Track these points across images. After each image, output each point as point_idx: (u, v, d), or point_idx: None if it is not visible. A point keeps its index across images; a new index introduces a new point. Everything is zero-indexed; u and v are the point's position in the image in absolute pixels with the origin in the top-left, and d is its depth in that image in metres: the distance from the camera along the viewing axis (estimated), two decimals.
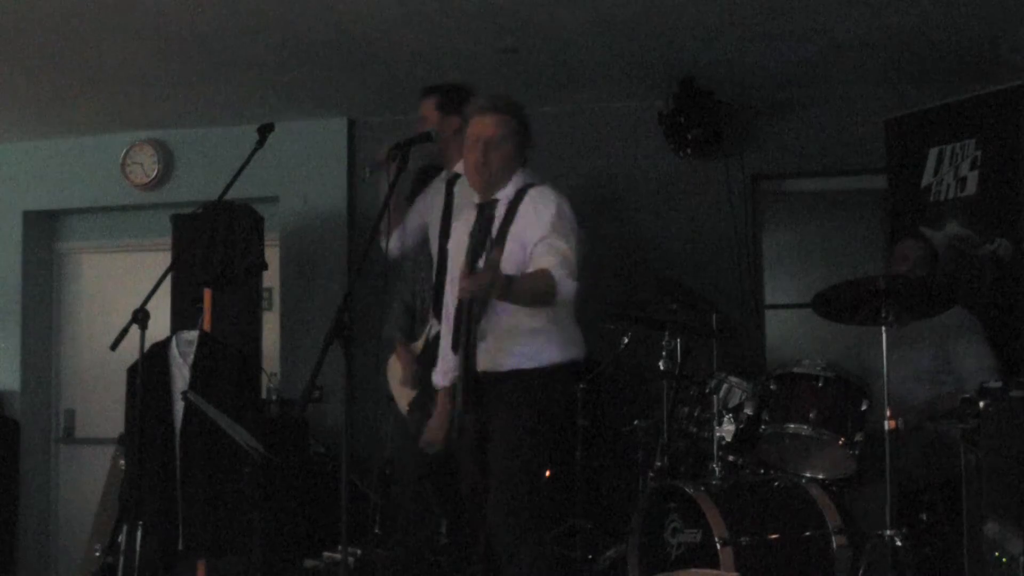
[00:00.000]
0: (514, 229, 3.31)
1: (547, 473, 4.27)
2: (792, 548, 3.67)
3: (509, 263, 3.25)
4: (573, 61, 5.15)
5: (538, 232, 3.22)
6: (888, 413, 3.61)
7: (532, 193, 3.36)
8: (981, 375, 4.01)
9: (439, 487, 4.08)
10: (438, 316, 3.93)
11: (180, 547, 4.52)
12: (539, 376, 3.29)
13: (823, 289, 3.85)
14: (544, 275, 3.14)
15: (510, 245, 3.30)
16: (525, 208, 3.32)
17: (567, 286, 3.15)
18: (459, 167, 3.95)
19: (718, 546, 3.50)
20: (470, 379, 3.25)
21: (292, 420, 5.38)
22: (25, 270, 6.57)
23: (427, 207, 4.11)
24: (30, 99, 5.70)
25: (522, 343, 3.26)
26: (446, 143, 4.00)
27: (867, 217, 5.74)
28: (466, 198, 3.78)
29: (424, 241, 4.15)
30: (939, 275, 4.83)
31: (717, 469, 3.99)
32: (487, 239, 3.36)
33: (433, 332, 4.04)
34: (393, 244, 4.10)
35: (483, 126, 3.38)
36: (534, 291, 3.15)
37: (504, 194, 3.42)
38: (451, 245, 3.63)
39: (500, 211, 3.40)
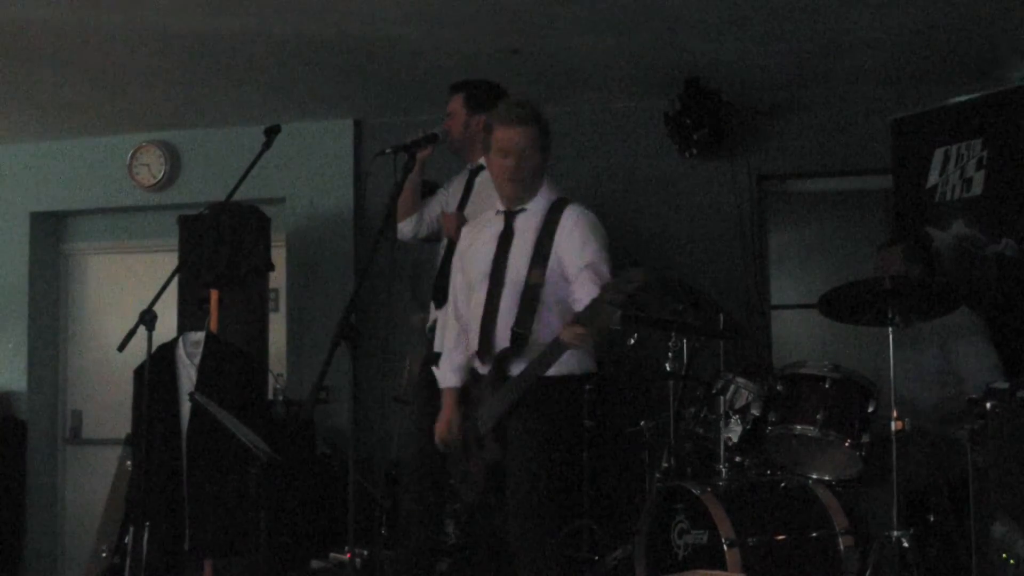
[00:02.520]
0: (555, 250, 3.33)
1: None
2: (799, 549, 3.67)
3: (548, 283, 3.31)
4: (576, 62, 5.15)
5: (582, 258, 3.28)
6: (895, 414, 3.61)
7: (571, 213, 3.37)
8: (983, 375, 4.01)
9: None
10: (438, 305, 3.95)
11: (186, 547, 4.53)
12: (555, 384, 3.30)
13: (829, 290, 3.84)
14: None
15: (550, 264, 3.33)
16: (565, 228, 3.34)
17: (617, 315, 3.19)
18: (485, 160, 3.99)
19: (725, 547, 3.50)
20: (510, 410, 3.27)
21: (298, 421, 5.38)
22: (32, 271, 6.58)
23: (448, 198, 4.16)
24: (37, 100, 5.71)
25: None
26: (471, 139, 4.06)
27: (873, 217, 5.73)
28: (485, 189, 3.84)
29: (436, 232, 4.18)
30: (944, 275, 4.83)
31: (724, 470, 3.99)
32: (511, 249, 3.40)
33: (431, 322, 4.05)
34: (408, 228, 4.14)
35: (514, 138, 3.38)
36: (607, 327, 3.18)
37: (534, 206, 3.44)
38: (464, 246, 3.61)
39: (531, 223, 3.41)
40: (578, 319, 2.99)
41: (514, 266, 3.38)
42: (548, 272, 3.32)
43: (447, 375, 3.56)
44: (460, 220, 3.93)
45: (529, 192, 3.44)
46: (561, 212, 3.38)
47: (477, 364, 3.44)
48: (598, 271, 3.24)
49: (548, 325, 3.27)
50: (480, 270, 3.45)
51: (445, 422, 3.53)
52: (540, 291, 3.30)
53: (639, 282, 2.90)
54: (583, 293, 3.18)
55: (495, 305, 3.36)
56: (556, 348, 3.13)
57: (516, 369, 3.29)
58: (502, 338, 3.34)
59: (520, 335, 3.27)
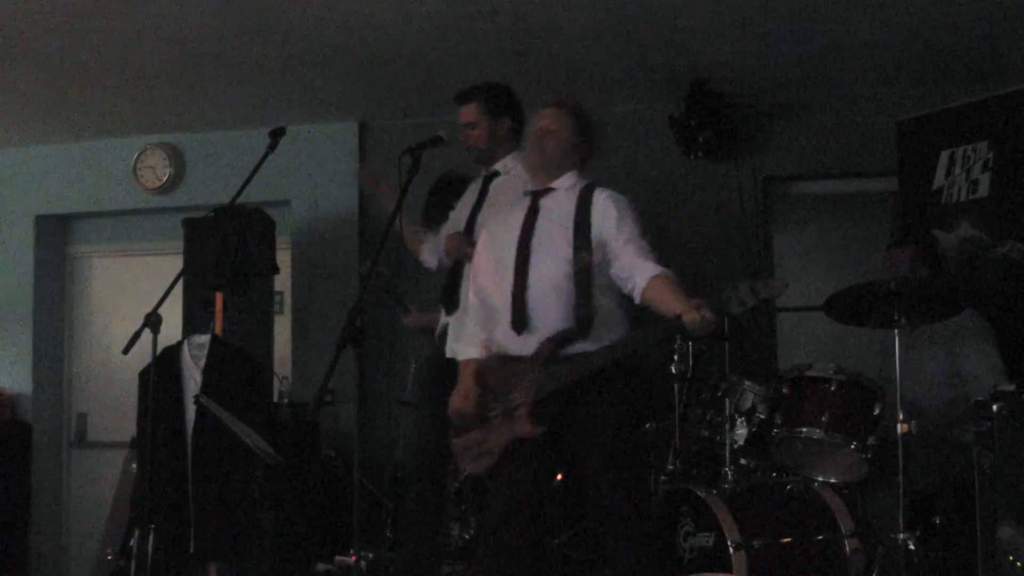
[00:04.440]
0: (594, 231, 3.39)
1: (558, 477, 4.29)
2: (805, 552, 3.66)
3: (593, 265, 3.36)
4: (582, 64, 5.15)
5: (622, 232, 3.36)
6: (901, 416, 3.60)
7: (601, 193, 3.45)
8: (987, 378, 4.00)
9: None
10: (449, 309, 3.92)
11: (191, 550, 4.53)
12: (617, 365, 3.32)
13: (835, 292, 3.84)
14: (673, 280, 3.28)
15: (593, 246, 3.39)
16: (599, 208, 3.41)
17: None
18: (499, 166, 3.97)
19: (731, 550, 3.50)
20: (567, 388, 3.28)
21: (303, 423, 5.38)
22: (37, 274, 6.59)
23: (460, 208, 4.13)
24: (42, 103, 5.72)
25: (610, 327, 3.31)
26: (499, 143, 4.00)
27: (878, 219, 5.72)
28: (503, 195, 3.82)
29: None
30: (950, 278, 4.82)
31: (729, 472, 3.99)
32: (537, 226, 3.43)
33: (441, 327, 4.03)
34: (431, 259, 4.16)
35: (542, 118, 3.52)
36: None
37: (563, 184, 3.48)
38: (487, 233, 3.61)
39: (560, 202, 3.45)
40: (720, 308, 3.04)
41: (545, 244, 3.39)
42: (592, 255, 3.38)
43: (469, 349, 3.52)
44: (461, 240, 3.89)
45: (558, 168, 3.49)
46: (592, 193, 3.45)
47: (509, 343, 3.40)
48: (641, 245, 3.34)
49: (598, 307, 3.31)
50: (508, 247, 3.45)
51: (464, 393, 3.46)
52: (591, 272, 3.33)
53: (777, 292, 3.07)
54: (639, 266, 3.28)
55: (524, 281, 3.36)
56: (672, 327, 3.15)
57: (577, 348, 3.28)
58: (539, 314, 3.32)
59: (586, 317, 3.29)
